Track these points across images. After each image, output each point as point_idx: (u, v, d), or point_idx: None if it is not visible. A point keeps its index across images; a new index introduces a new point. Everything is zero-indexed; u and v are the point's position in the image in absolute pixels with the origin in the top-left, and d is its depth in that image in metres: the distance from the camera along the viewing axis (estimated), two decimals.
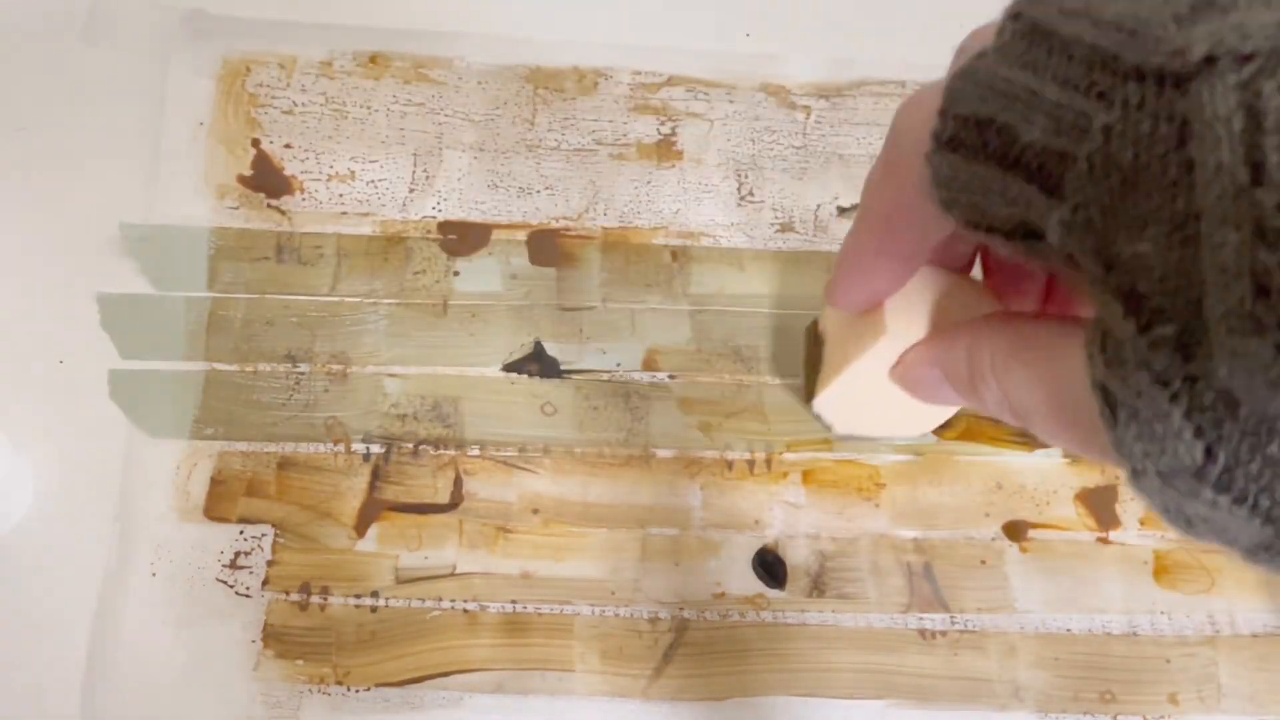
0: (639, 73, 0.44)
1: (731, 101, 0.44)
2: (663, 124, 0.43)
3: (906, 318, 0.23)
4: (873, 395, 0.26)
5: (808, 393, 0.28)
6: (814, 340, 0.28)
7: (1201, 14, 0.15)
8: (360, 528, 0.37)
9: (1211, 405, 0.15)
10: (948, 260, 0.24)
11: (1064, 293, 0.24)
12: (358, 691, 0.35)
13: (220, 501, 0.37)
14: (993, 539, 0.38)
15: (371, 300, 0.40)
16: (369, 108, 0.42)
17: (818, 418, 0.29)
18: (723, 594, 0.37)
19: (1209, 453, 0.15)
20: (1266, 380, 0.14)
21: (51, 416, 0.37)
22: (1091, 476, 0.39)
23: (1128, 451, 0.17)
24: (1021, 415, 0.20)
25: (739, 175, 0.43)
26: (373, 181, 0.41)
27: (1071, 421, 0.18)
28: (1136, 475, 0.17)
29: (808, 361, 0.28)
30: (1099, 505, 0.39)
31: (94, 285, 0.39)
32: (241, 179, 0.41)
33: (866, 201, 0.22)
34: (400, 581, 0.36)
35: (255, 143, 0.42)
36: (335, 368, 0.39)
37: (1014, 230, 0.18)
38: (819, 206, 0.43)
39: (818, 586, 0.37)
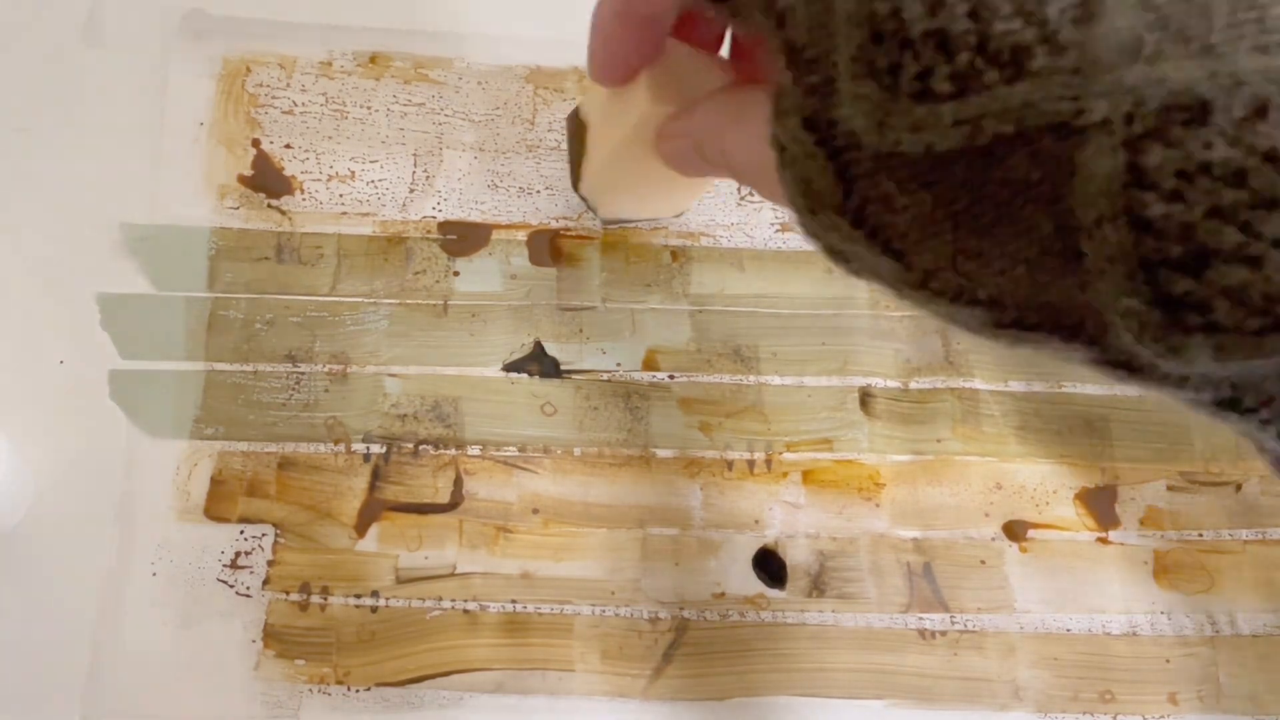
0: None
1: None
2: None
3: (662, 92, 0.24)
4: (634, 174, 0.27)
5: (574, 178, 0.29)
6: (577, 127, 0.28)
7: None
8: (360, 528, 0.37)
9: (845, 146, 0.17)
10: (697, 40, 0.26)
11: None
12: (358, 691, 0.35)
13: (220, 501, 0.37)
14: (992, 539, 0.38)
15: (371, 300, 0.40)
16: (369, 108, 0.42)
17: (584, 201, 0.29)
18: (723, 594, 0.37)
19: (846, 192, 0.17)
20: (876, 121, 0.16)
21: (51, 416, 0.37)
22: (1091, 476, 0.39)
23: (790, 194, 0.19)
24: (737, 173, 0.22)
25: None
26: (373, 181, 0.41)
27: (767, 175, 0.20)
28: (799, 216, 0.19)
29: (572, 149, 0.29)
30: (1099, 505, 0.39)
31: (94, 285, 0.39)
32: (241, 179, 0.41)
33: None
34: (400, 581, 0.36)
35: (255, 143, 0.42)
36: (335, 368, 0.39)
37: None
38: None
39: (818, 586, 0.37)
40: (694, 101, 0.24)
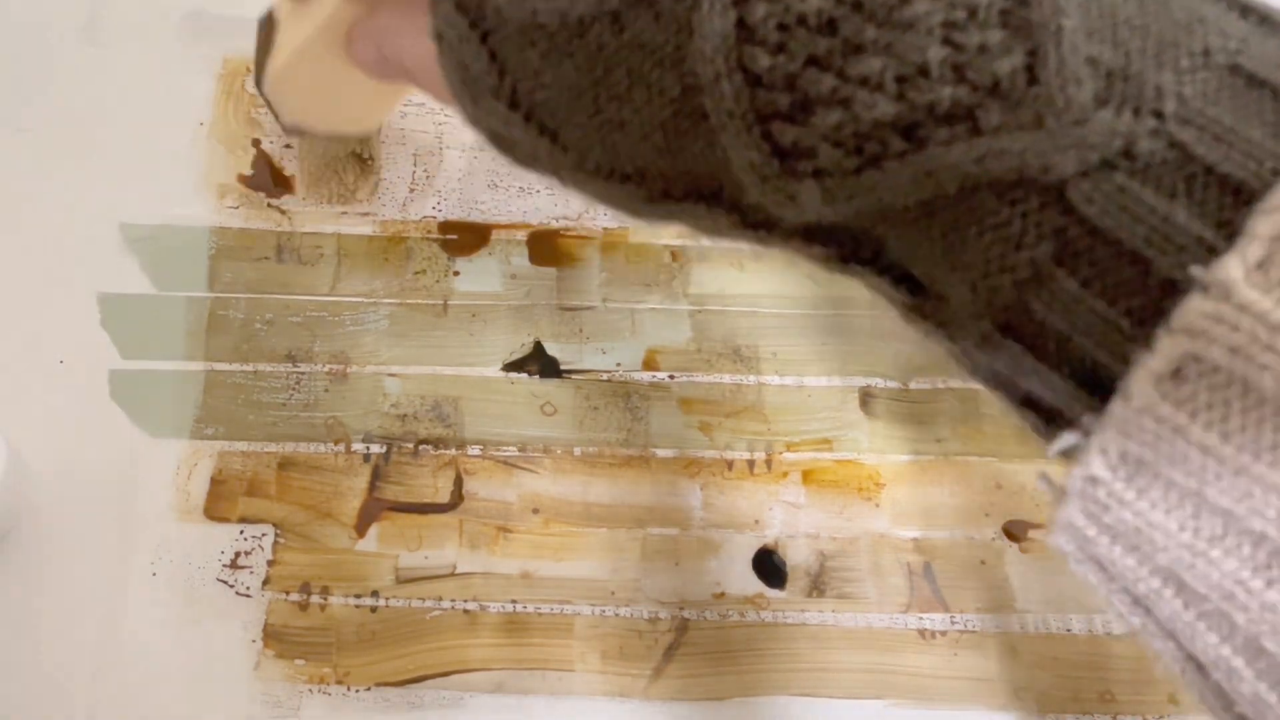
0: None
1: None
2: None
3: None
4: (321, 76, 0.27)
5: (257, 76, 0.28)
6: (268, 23, 0.28)
7: None
8: (360, 528, 0.37)
9: (493, 26, 0.17)
10: None
11: None
12: (358, 691, 0.35)
13: (220, 501, 0.37)
14: (993, 539, 0.38)
15: (371, 300, 0.40)
16: None
17: (266, 103, 0.29)
18: (723, 594, 0.37)
19: (500, 73, 0.18)
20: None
21: (51, 416, 0.37)
22: None
23: (452, 85, 0.19)
24: (413, 76, 0.23)
25: None
26: (373, 181, 0.41)
27: (435, 72, 0.20)
28: (463, 107, 0.19)
29: (259, 46, 0.28)
30: None
31: (94, 285, 0.39)
32: (242, 179, 0.41)
33: None
34: (400, 581, 0.36)
35: (255, 143, 0.42)
36: (335, 368, 0.39)
37: None
38: None
39: (818, 586, 0.37)
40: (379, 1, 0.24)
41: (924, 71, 0.14)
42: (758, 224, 0.17)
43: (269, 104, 0.29)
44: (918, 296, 0.17)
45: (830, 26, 0.14)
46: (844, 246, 0.17)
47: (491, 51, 0.18)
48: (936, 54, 0.14)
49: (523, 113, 0.18)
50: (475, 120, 0.20)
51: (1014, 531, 0.39)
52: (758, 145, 0.15)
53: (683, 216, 0.18)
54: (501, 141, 0.20)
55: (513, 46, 0.17)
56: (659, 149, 0.17)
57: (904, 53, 0.14)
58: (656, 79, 0.16)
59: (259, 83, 0.28)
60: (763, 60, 0.15)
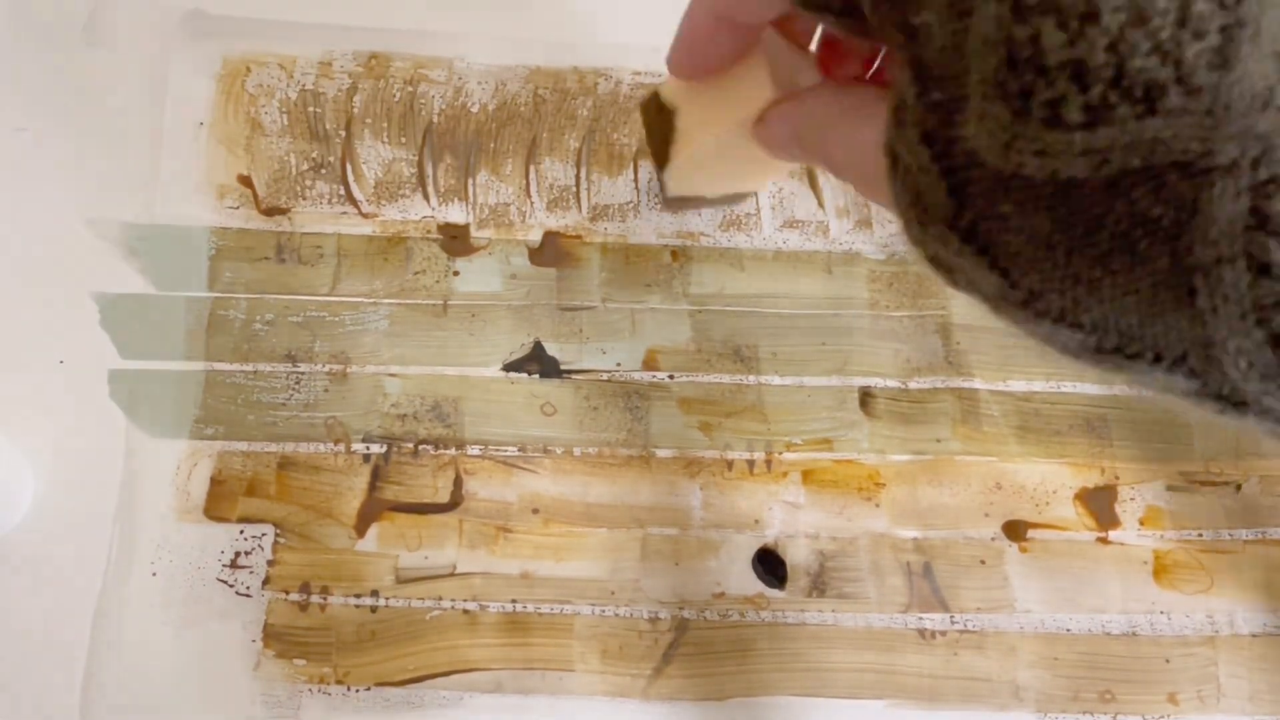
0: (639, 73, 0.44)
1: None
2: None
3: (762, 83, 0.25)
4: (723, 156, 0.28)
5: (659, 161, 0.29)
6: (657, 110, 0.29)
7: None
8: (360, 528, 0.37)
9: (963, 165, 0.17)
10: (793, 35, 0.26)
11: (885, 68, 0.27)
12: (358, 691, 0.35)
13: (220, 501, 0.37)
14: (992, 539, 0.38)
15: (371, 300, 0.40)
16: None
17: (661, 185, 0.30)
18: (723, 594, 0.37)
19: (959, 207, 0.17)
20: (1001, 143, 0.16)
21: (51, 416, 0.37)
22: (1091, 476, 0.39)
23: (900, 202, 0.19)
24: (836, 169, 0.23)
25: None
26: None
27: (871, 177, 0.20)
28: (907, 225, 0.19)
29: (653, 133, 0.29)
30: (1098, 505, 0.39)
31: (94, 285, 0.39)
32: (241, 179, 0.41)
33: None
34: (400, 581, 0.36)
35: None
36: (335, 368, 0.39)
37: (840, 8, 0.20)
38: (819, 206, 0.43)
39: (818, 586, 0.37)
40: (797, 93, 0.24)
41: None
42: (1222, 398, 0.17)
43: (661, 182, 0.30)
44: None
45: None
46: None
47: (953, 187, 0.17)
48: None
49: (976, 247, 0.18)
50: (916, 239, 0.19)
51: (1014, 531, 0.39)
52: (1252, 334, 0.15)
53: (1131, 372, 0.18)
54: (941, 265, 0.19)
55: (982, 189, 0.17)
56: (1126, 310, 0.17)
57: None
58: (1145, 249, 0.16)
59: (660, 167, 0.29)
60: (1276, 253, 0.14)
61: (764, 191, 0.42)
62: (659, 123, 0.29)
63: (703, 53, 0.25)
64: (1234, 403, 0.17)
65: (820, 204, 0.42)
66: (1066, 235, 0.16)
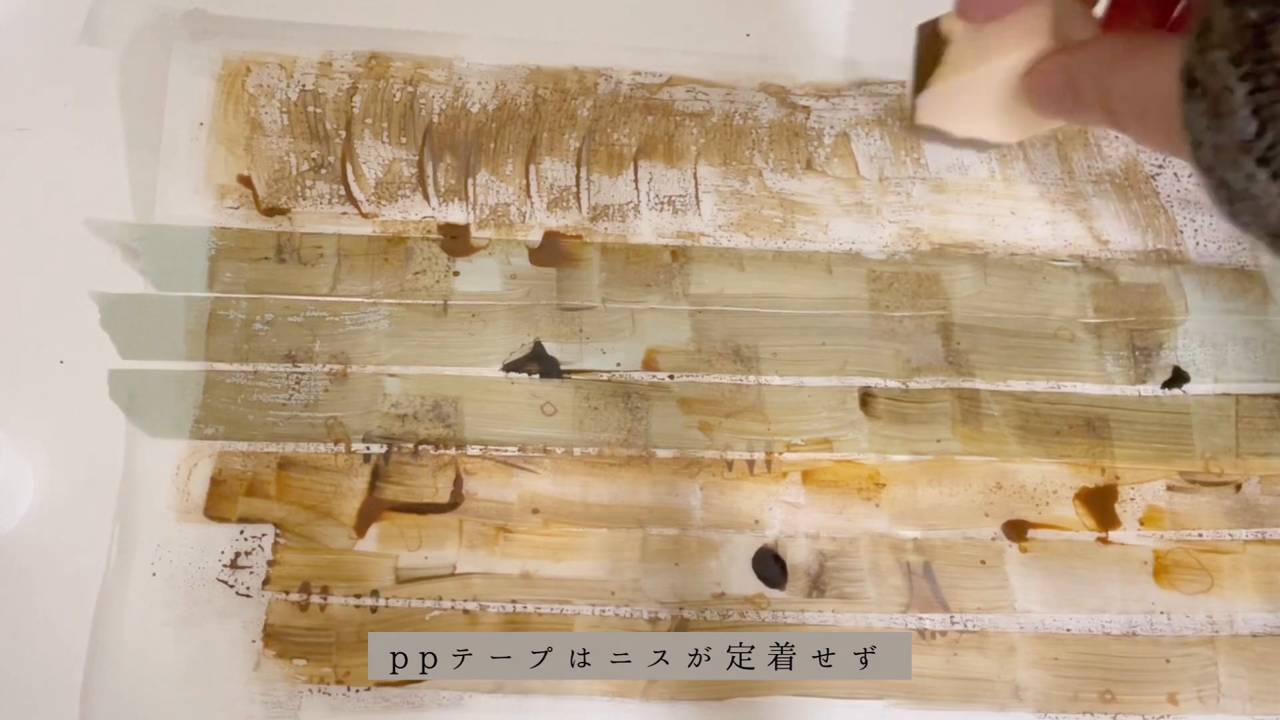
0: (639, 73, 0.44)
1: (731, 101, 0.44)
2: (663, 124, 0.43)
3: (1040, 30, 0.26)
4: (984, 99, 0.28)
5: (918, 85, 0.30)
6: (934, 39, 0.29)
7: None
8: (360, 528, 0.37)
9: (1272, 85, 0.17)
10: None
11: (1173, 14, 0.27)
12: (358, 691, 0.35)
13: (220, 501, 0.37)
14: (993, 539, 0.38)
15: (371, 300, 0.40)
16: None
17: (911, 109, 0.30)
18: (723, 594, 0.37)
19: (1260, 129, 0.18)
20: None
21: (51, 416, 0.37)
22: (1091, 476, 0.39)
23: (1193, 124, 0.19)
24: (1114, 112, 0.23)
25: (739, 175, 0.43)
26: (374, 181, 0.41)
27: (1155, 114, 0.21)
28: (1196, 148, 0.19)
29: (922, 58, 0.30)
30: (1099, 505, 0.39)
31: (94, 285, 0.39)
32: (242, 179, 0.41)
33: None
34: (400, 581, 0.36)
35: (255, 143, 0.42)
36: (335, 368, 0.39)
37: None
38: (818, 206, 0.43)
39: (818, 586, 0.37)
40: (1075, 44, 0.25)
41: None
42: None
43: (914, 107, 0.30)
44: None
45: None
46: None
47: (1256, 107, 0.18)
48: None
49: (1272, 171, 0.18)
50: (1209, 168, 0.20)
51: (1014, 531, 0.39)
52: None
53: None
54: (1228, 190, 0.19)
55: None
56: None
57: None
58: None
59: (917, 90, 0.29)
60: None
61: (1011, 146, 0.41)
62: (930, 48, 0.29)
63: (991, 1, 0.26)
64: None
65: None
66: None
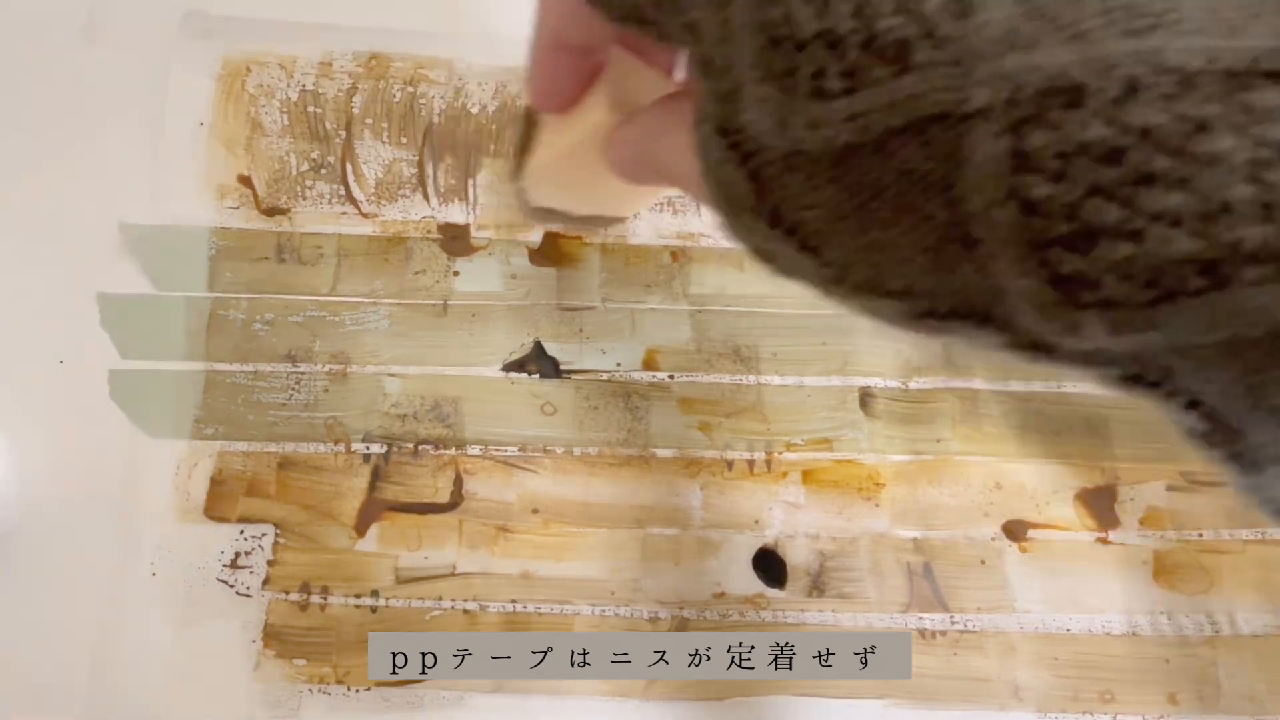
0: None
1: None
2: None
3: (612, 103, 0.25)
4: (579, 179, 0.28)
5: (515, 168, 0.30)
6: (527, 120, 0.29)
7: None
8: (360, 528, 0.37)
9: (754, 150, 0.18)
10: (651, 61, 0.26)
11: None
12: (358, 691, 0.35)
13: (220, 501, 0.37)
14: (992, 539, 0.38)
15: (371, 300, 0.40)
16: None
17: (520, 193, 0.30)
18: (723, 594, 0.37)
19: (759, 193, 0.18)
20: (777, 121, 0.17)
21: (51, 416, 0.37)
22: (1091, 476, 0.39)
23: (713, 198, 0.19)
24: (676, 181, 0.23)
25: None
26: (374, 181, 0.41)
27: (695, 187, 0.21)
28: (724, 219, 0.20)
29: (518, 141, 0.30)
30: (1099, 505, 0.39)
31: (94, 285, 0.39)
32: (242, 179, 0.41)
33: (538, 7, 0.24)
34: (400, 581, 0.36)
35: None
36: (335, 368, 0.39)
37: (642, 19, 0.20)
38: None
39: (818, 586, 0.37)
40: (635, 111, 0.25)
41: (1228, 209, 0.13)
42: (1032, 347, 0.17)
43: (519, 193, 0.30)
44: (1209, 424, 0.17)
45: (1116, 155, 0.14)
46: (1127, 369, 0.16)
47: (751, 173, 0.18)
48: (1243, 192, 0.13)
49: (783, 230, 0.18)
50: (735, 231, 0.20)
51: (1014, 531, 0.39)
52: (1033, 273, 0.15)
53: (948, 333, 0.18)
54: (762, 254, 0.20)
55: (774, 170, 0.18)
56: (926, 270, 0.17)
57: (1206, 188, 0.13)
58: (923, 204, 0.16)
59: (514, 175, 0.29)
60: (1039, 188, 0.14)
61: (636, 218, 0.41)
62: (525, 130, 0.29)
63: (552, 84, 0.25)
64: (1043, 350, 0.17)
65: None
66: (854, 204, 0.17)
